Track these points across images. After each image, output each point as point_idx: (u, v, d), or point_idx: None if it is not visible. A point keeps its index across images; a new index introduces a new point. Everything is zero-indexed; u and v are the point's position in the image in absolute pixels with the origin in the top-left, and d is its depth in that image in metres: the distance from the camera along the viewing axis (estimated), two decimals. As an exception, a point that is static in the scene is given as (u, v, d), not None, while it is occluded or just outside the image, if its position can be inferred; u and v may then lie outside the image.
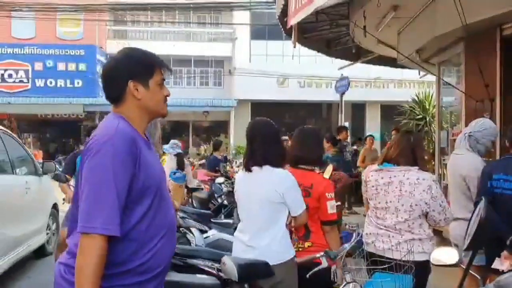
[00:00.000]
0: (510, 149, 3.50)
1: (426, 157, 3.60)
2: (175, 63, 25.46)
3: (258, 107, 23.30)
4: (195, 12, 24.54)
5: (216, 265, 3.34)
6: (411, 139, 3.38)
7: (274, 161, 2.95)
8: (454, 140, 7.72)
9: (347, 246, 2.91)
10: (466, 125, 6.84)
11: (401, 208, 3.19)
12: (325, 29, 9.86)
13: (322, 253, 2.82)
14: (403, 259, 2.83)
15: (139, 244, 1.81)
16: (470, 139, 3.82)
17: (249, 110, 23.86)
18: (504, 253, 3.15)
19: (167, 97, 2.02)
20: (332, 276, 2.93)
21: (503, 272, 3.01)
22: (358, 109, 24.11)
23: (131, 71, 1.91)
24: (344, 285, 2.72)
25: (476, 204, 3.53)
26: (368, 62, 12.15)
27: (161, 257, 1.87)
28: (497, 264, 3.18)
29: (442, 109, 8.91)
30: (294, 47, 7.97)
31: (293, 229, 3.16)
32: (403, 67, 11.07)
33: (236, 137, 22.60)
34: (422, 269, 3.03)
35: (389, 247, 3.12)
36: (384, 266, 2.76)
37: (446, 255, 2.52)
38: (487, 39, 6.24)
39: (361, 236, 3.08)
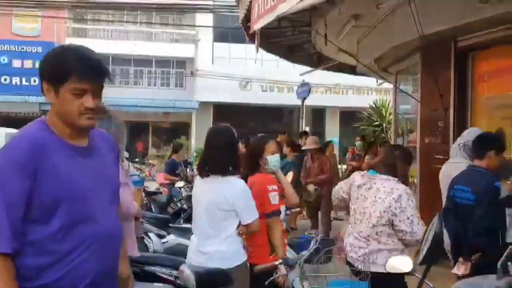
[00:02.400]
0: (474, 161, 3.63)
1: (408, 172, 3.65)
2: (136, 63, 25.11)
3: (221, 109, 23.27)
4: (157, 13, 24.25)
5: (174, 272, 3.30)
6: (396, 152, 3.50)
7: (226, 169, 2.95)
8: (410, 148, 7.99)
9: (305, 253, 2.94)
10: (422, 132, 7.13)
11: (373, 214, 3.27)
12: (288, 35, 9.95)
13: (280, 261, 2.84)
14: (363, 269, 2.87)
15: (53, 259, 1.68)
16: (465, 148, 3.98)
17: (211, 112, 23.78)
18: (461, 259, 3.27)
19: (90, 110, 1.74)
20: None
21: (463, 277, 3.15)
22: (318, 115, 24.47)
23: (44, 72, 1.75)
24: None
25: (443, 211, 3.67)
26: (328, 69, 12.35)
27: (80, 273, 1.71)
28: (454, 269, 3.32)
29: (399, 117, 9.16)
30: (257, 52, 8.00)
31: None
32: (362, 74, 11.32)
33: (198, 140, 22.44)
34: (392, 281, 2.95)
35: (357, 257, 3.22)
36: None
37: (401, 263, 2.58)
38: (443, 50, 6.47)
39: (319, 243, 3.12)
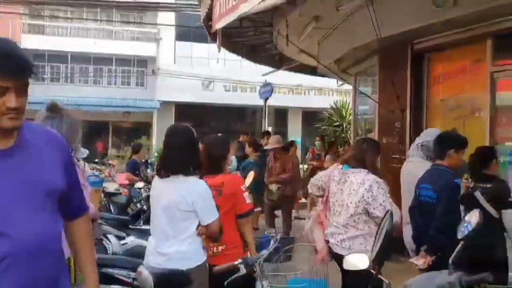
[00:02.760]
0: (435, 160, 3.74)
1: (377, 161, 3.81)
2: (96, 61, 24.55)
3: (183, 109, 23.05)
4: (118, 11, 23.80)
5: (133, 274, 3.25)
6: (364, 145, 3.74)
7: (186, 169, 2.92)
8: (346, 159, 8.12)
9: (265, 252, 2.95)
10: (380, 132, 7.30)
11: (350, 205, 3.51)
12: (250, 35, 9.98)
13: (240, 260, 2.83)
14: (340, 253, 3.11)
15: None
16: (422, 148, 4.11)
17: (173, 112, 23.53)
18: (422, 252, 3.37)
19: (13, 109, 1.57)
20: None
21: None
22: (281, 115, 24.63)
23: None
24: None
25: (410, 209, 3.77)
26: (290, 69, 12.46)
27: None
28: (413, 259, 3.43)
29: (358, 117, 9.34)
30: (219, 51, 7.99)
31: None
32: (323, 75, 11.48)
33: (159, 140, 22.13)
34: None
35: (335, 242, 3.52)
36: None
37: (359, 260, 2.62)
38: (400, 53, 6.64)
39: (279, 242, 3.15)
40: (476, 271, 3.79)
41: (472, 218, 2.45)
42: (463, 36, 5.73)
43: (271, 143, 8.08)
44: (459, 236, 2.35)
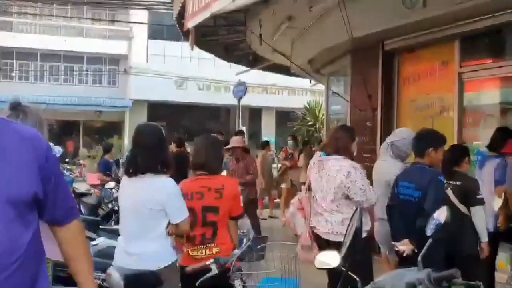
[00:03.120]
0: (416, 158, 3.79)
1: (351, 147, 3.89)
2: (66, 59, 24.09)
3: (155, 108, 22.83)
4: (89, 8, 23.38)
5: (103, 275, 3.19)
6: (338, 132, 3.93)
7: (155, 168, 2.90)
8: (323, 146, 8.21)
9: (237, 252, 2.94)
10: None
11: (329, 191, 3.69)
12: (223, 34, 9.94)
13: (211, 260, 2.81)
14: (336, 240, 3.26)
15: None
16: (392, 147, 4.16)
17: (146, 111, 23.27)
18: (405, 240, 3.44)
19: None
20: None
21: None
22: (255, 114, 24.66)
23: None
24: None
25: (387, 208, 3.82)
26: (264, 69, 12.47)
27: None
28: (397, 244, 3.49)
29: (330, 117, 9.42)
30: (192, 49, 7.95)
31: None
32: (296, 75, 11.53)
33: (131, 139, 21.93)
34: (365, 247, 3.55)
35: (327, 231, 3.68)
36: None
37: (329, 258, 2.64)
38: (371, 53, 6.73)
39: (252, 241, 3.14)
40: (446, 266, 3.90)
41: (441, 215, 2.49)
42: (432, 37, 5.85)
43: (231, 142, 7.67)
44: (428, 233, 2.39)
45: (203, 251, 3.13)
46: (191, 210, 3.05)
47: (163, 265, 2.84)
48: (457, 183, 3.90)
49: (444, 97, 5.98)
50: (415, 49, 6.41)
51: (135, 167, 2.92)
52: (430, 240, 2.31)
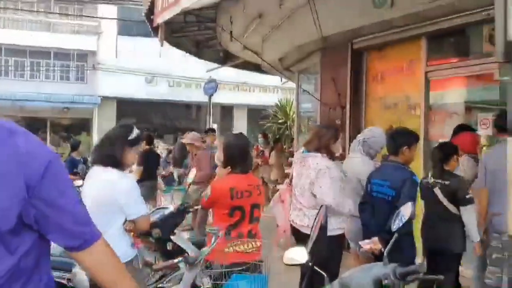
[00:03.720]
0: (390, 156, 3.83)
1: (333, 146, 3.95)
2: (32, 54, 23.42)
3: (125, 105, 22.47)
4: (56, 2, 22.80)
5: (67, 275, 3.12)
6: (322, 130, 4.00)
7: (115, 163, 2.91)
8: (306, 143, 8.29)
9: (206, 249, 2.92)
10: (322, 130, 7.43)
11: (306, 187, 3.79)
12: (194, 30, 9.88)
13: (180, 258, 2.79)
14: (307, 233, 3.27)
15: None
16: (363, 145, 4.20)
17: (115, 108, 22.89)
18: (374, 239, 3.48)
19: None
20: None
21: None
22: (226, 112, 24.58)
23: None
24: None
25: (359, 205, 3.84)
26: (235, 66, 12.45)
27: None
28: (362, 242, 3.53)
29: (301, 115, 9.48)
30: (162, 45, 7.86)
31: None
32: (268, 73, 11.56)
33: (100, 136, 21.49)
34: (335, 243, 3.63)
35: (304, 224, 3.73)
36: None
37: (297, 255, 2.65)
38: (340, 51, 6.79)
39: (220, 239, 3.13)
40: (430, 264, 3.97)
41: (405, 211, 2.53)
42: (400, 36, 5.95)
43: (186, 138, 7.44)
44: (393, 228, 2.42)
45: (250, 244, 3.19)
46: (240, 208, 3.18)
47: None
48: (446, 182, 3.87)
49: (411, 96, 6.09)
50: (383, 48, 6.51)
51: (96, 161, 2.98)
52: (395, 235, 2.35)
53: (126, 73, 21.31)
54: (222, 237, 3.02)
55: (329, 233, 3.49)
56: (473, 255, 4.02)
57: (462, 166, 4.33)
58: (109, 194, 2.84)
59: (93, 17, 22.17)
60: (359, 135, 4.47)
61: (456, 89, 6.02)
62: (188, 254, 2.93)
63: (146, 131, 11.85)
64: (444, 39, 5.81)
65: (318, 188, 3.70)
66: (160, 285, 3.30)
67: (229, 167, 3.33)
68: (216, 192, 3.24)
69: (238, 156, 3.31)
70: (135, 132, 3.05)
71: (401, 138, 3.76)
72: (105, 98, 22.32)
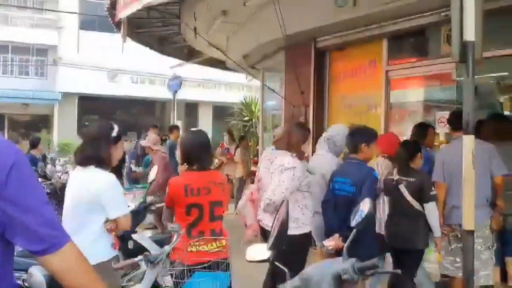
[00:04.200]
0: (350, 154, 3.89)
1: (303, 145, 4.03)
2: (-12, 48, 22.63)
3: (87, 101, 22.01)
4: (14, -6, 22.09)
5: (24, 275, 3.03)
6: (292, 129, 4.00)
7: (96, 162, 2.89)
8: (276, 141, 8.35)
9: (167, 248, 2.90)
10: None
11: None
12: (158, 26, 9.75)
13: (141, 257, 2.75)
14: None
15: None
16: (329, 142, 4.24)
17: (76, 104, 22.38)
18: (336, 235, 3.53)
19: None
20: None
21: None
22: (191, 109, 24.42)
23: None
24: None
25: (323, 203, 3.86)
26: (200, 63, 12.37)
27: None
28: (325, 241, 3.58)
29: (266, 112, 9.52)
30: (124, 41, 7.72)
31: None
32: (233, 70, 11.54)
33: (61, 133, 21.00)
34: (300, 240, 3.58)
35: (269, 220, 3.55)
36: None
37: (258, 252, 2.66)
38: (304, 50, 6.86)
39: (182, 237, 3.11)
40: (395, 260, 4.06)
41: (364, 207, 2.57)
42: (361, 36, 6.05)
43: (145, 142, 6.84)
44: (353, 224, 2.46)
45: (214, 244, 3.14)
46: (197, 206, 3.10)
47: (94, 262, 2.75)
48: (412, 179, 3.96)
49: (373, 94, 6.21)
50: (346, 47, 6.61)
51: (79, 160, 2.95)
52: (354, 231, 2.39)
53: (88, 68, 20.83)
54: (184, 235, 3.01)
55: (294, 231, 3.56)
56: (434, 249, 4.15)
57: (377, 165, 4.45)
58: (93, 193, 2.81)
59: (54, 10, 21.57)
60: (324, 133, 4.54)
61: (415, 88, 6.18)
62: (149, 252, 2.90)
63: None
64: (404, 40, 5.96)
65: (276, 181, 3.68)
66: (121, 284, 3.25)
67: (186, 164, 3.31)
68: (172, 189, 3.20)
69: (194, 153, 3.26)
70: (116, 128, 3.03)
71: (359, 136, 3.84)
72: (66, 94, 21.79)
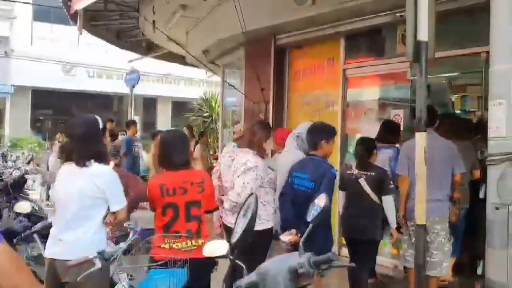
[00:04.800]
0: (310, 151, 3.93)
1: (265, 143, 3.97)
2: None
3: (41, 95, 21.28)
4: (-38, -19, 21.00)
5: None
6: (254, 127, 3.96)
7: (95, 157, 2.95)
8: (237, 138, 8.35)
9: (123, 245, 2.85)
10: (246, 124, 7.49)
11: (235, 181, 3.71)
12: (115, 19, 9.55)
13: (95, 254, 2.70)
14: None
15: None
16: (297, 139, 4.27)
17: (29, 98, 21.59)
18: (293, 230, 3.57)
19: None
20: None
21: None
22: (149, 104, 24.05)
23: None
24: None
25: (280, 196, 3.91)
26: (159, 57, 12.21)
27: None
28: (282, 236, 3.62)
29: (226, 108, 9.50)
30: (80, 34, 7.54)
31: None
32: (192, 65, 11.44)
33: (13, 128, 20.23)
34: (262, 236, 3.59)
35: (232, 217, 3.63)
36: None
37: (217, 247, 2.66)
38: (264, 47, 6.88)
39: (138, 234, 3.07)
40: (353, 251, 4.15)
41: (320, 202, 2.60)
42: (319, 34, 6.14)
43: None
44: (308, 219, 2.49)
45: (189, 242, 3.09)
46: (173, 205, 3.08)
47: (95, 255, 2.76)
48: (371, 173, 4.13)
49: (330, 92, 6.32)
50: (305, 45, 6.68)
51: (75, 157, 2.94)
52: (310, 226, 2.42)
53: (42, 61, 20.14)
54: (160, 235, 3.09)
55: (256, 227, 3.59)
56: (389, 241, 4.29)
57: (273, 159, 4.61)
58: (100, 188, 2.89)
59: (6, 0, 20.70)
60: (295, 129, 4.59)
61: (372, 87, 6.32)
62: (104, 250, 2.85)
63: (62, 123, 11.30)
64: (361, 39, 6.08)
65: (241, 182, 3.70)
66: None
67: (164, 164, 3.31)
68: (149, 190, 3.21)
69: (169, 153, 3.26)
70: (100, 120, 3.12)
71: (319, 133, 3.91)
72: (18, 88, 20.98)
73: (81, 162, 2.92)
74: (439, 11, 3.34)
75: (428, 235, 4.06)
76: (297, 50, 6.87)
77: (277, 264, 2.18)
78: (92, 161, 2.93)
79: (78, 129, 3.03)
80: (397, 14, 5.00)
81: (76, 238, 2.84)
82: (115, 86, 21.16)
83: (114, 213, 2.97)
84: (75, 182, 2.93)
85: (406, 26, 3.18)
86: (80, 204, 2.90)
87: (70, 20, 9.51)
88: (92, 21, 9.20)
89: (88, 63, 21.42)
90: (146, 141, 12.52)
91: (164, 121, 23.77)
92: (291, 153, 4.30)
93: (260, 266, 2.25)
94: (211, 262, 2.96)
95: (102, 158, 3.00)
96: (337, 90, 6.12)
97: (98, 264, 2.68)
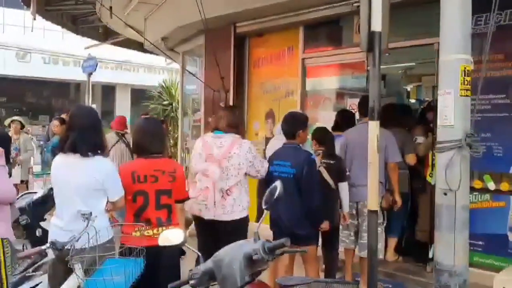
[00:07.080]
0: (288, 140, 4.01)
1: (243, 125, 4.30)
2: None
3: (-7, 82, 20.45)
4: None
5: None
6: (237, 113, 4.07)
7: (94, 149, 3.02)
8: (196, 126, 8.31)
9: (77, 235, 2.81)
10: (205, 112, 7.48)
11: (231, 167, 3.71)
12: (71, 4, 9.26)
13: (48, 245, 2.65)
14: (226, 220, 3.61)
15: None
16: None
17: (-19, 85, 20.70)
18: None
19: None
20: None
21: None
22: (108, 91, 23.52)
23: None
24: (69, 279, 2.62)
25: (258, 183, 4.07)
26: (117, 44, 11.94)
27: None
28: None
29: (186, 96, 9.42)
30: (34, 19, 7.30)
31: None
32: (151, 52, 11.25)
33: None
34: (241, 225, 3.72)
35: (223, 212, 3.70)
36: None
37: (173, 236, 2.67)
38: (224, 34, 6.85)
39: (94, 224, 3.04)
40: (315, 236, 4.27)
41: (276, 189, 2.64)
42: (279, 23, 6.16)
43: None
44: (264, 206, 2.52)
45: (160, 229, 3.08)
46: (143, 193, 3.17)
47: (98, 242, 2.80)
48: (331, 161, 4.32)
49: (289, 81, 6.37)
50: (264, 33, 6.69)
51: (75, 149, 2.99)
52: (266, 212, 2.46)
53: (-6, 47, 19.32)
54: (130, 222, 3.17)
55: (239, 214, 3.72)
56: (342, 223, 4.45)
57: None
58: (101, 179, 2.99)
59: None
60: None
61: (330, 76, 6.42)
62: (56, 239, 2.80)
63: (17, 111, 10.90)
64: (319, 28, 6.14)
65: (258, 161, 3.82)
66: (27, 274, 3.11)
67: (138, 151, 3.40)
68: (121, 176, 3.21)
69: (142, 140, 3.32)
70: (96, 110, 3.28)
71: (295, 123, 4.04)
72: (-32, 74, 20.08)
73: (85, 152, 2.98)
74: (393, 2, 3.41)
75: (359, 218, 4.47)
76: (257, 38, 6.87)
77: (232, 251, 2.22)
78: (88, 153, 3.00)
79: (83, 120, 3.08)
80: (354, 5, 5.07)
81: (83, 227, 2.85)
82: (72, 73, 20.53)
83: (112, 202, 3.11)
84: (76, 175, 3.00)
85: (360, 17, 3.24)
86: (84, 195, 3.00)
87: (22, 4, 9.15)
88: (47, 5, 8.88)
89: (44, 49, 20.69)
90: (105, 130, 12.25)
91: (123, 109, 23.28)
92: (277, 140, 4.50)
93: (216, 254, 2.28)
94: (178, 250, 3.04)
95: (103, 149, 3.10)
96: (296, 79, 6.18)
97: (51, 254, 2.64)
